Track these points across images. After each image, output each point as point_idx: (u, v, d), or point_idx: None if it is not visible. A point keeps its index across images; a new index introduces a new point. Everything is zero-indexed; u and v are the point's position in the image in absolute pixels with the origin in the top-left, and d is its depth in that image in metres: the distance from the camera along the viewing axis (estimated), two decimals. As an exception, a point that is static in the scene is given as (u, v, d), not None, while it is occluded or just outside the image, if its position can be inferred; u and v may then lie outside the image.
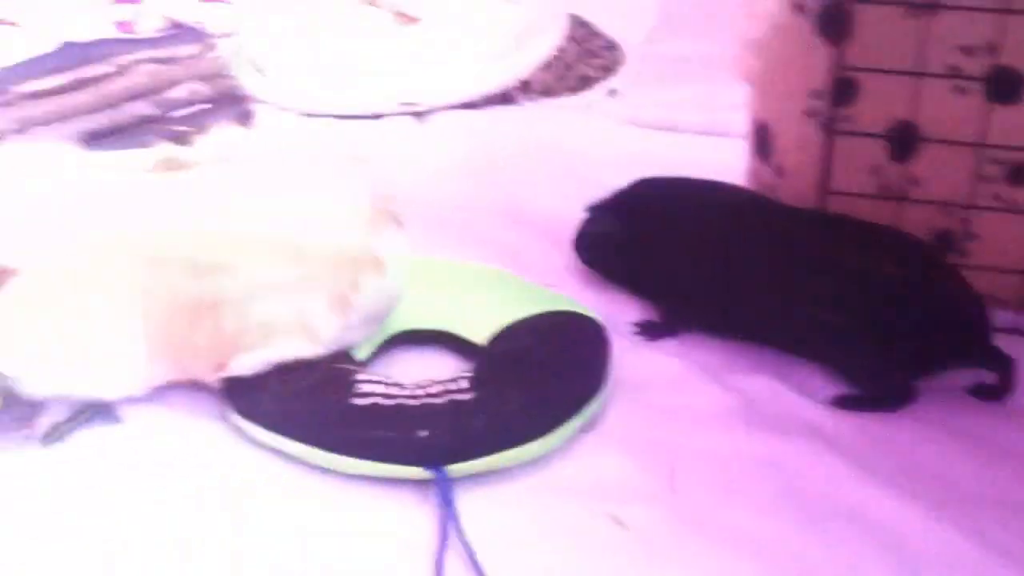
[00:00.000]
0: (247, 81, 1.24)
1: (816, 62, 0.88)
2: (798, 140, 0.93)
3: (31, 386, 0.80)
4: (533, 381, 0.81)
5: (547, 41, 1.42)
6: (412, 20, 1.41)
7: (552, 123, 1.34)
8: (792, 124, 0.92)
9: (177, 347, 0.82)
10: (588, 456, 0.81)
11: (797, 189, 0.94)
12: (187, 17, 1.50)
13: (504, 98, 1.40)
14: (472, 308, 0.91)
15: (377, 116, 1.32)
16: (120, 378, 0.82)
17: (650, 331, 0.94)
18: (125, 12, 1.58)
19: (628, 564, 0.72)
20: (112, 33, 1.29)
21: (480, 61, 1.38)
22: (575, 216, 1.09)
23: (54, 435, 0.83)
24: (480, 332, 0.88)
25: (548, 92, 1.42)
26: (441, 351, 0.92)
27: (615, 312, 0.95)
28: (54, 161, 0.83)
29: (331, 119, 1.30)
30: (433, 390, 0.80)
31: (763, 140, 0.96)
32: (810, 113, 0.91)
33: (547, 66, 1.42)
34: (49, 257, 0.77)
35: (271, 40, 1.36)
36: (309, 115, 1.31)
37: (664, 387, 0.88)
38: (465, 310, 0.91)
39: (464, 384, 0.81)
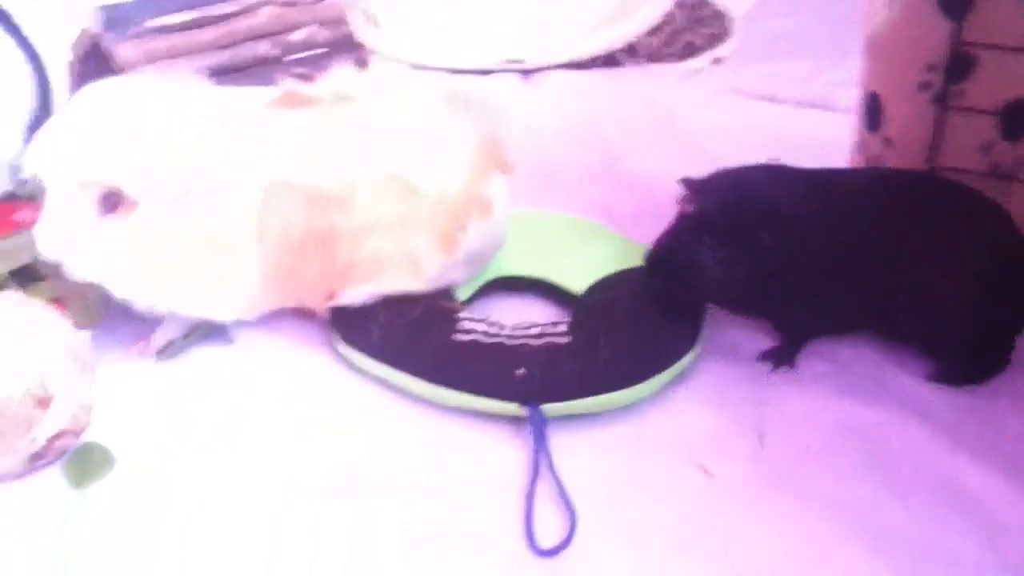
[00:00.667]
0: (361, 30, 1.28)
1: (934, 35, 0.88)
2: (909, 113, 0.92)
3: (150, 303, 0.84)
4: (628, 331, 0.83)
5: (656, 6, 1.42)
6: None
7: (656, 88, 1.35)
8: (904, 96, 0.92)
9: (290, 275, 0.85)
10: (678, 409, 0.83)
11: (905, 162, 0.94)
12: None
13: (609, 60, 1.41)
14: (570, 259, 0.93)
15: (484, 72, 1.34)
16: (234, 301, 0.86)
17: (778, 358, 0.87)
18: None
19: (712, 515, 0.74)
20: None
21: (589, 22, 1.39)
22: (672, 180, 1.10)
23: (168, 351, 0.88)
24: (578, 282, 0.90)
25: (654, 57, 1.42)
26: (538, 298, 0.94)
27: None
28: (182, 92, 0.86)
29: (439, 72, 1.32)
30: (532, 332, 0.82)
31: (873, 111, 0.96)
32: (923, 86, 0.90)
33: (654, 31, 1.42)
34: (173, 183, 0.81)
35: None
36: (418, 67, 1.34)
37: (756, 348, 0.89)
38: (563, 260, 0.93)
39: (562, 328, 0.83)
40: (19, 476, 0.74)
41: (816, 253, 0.82)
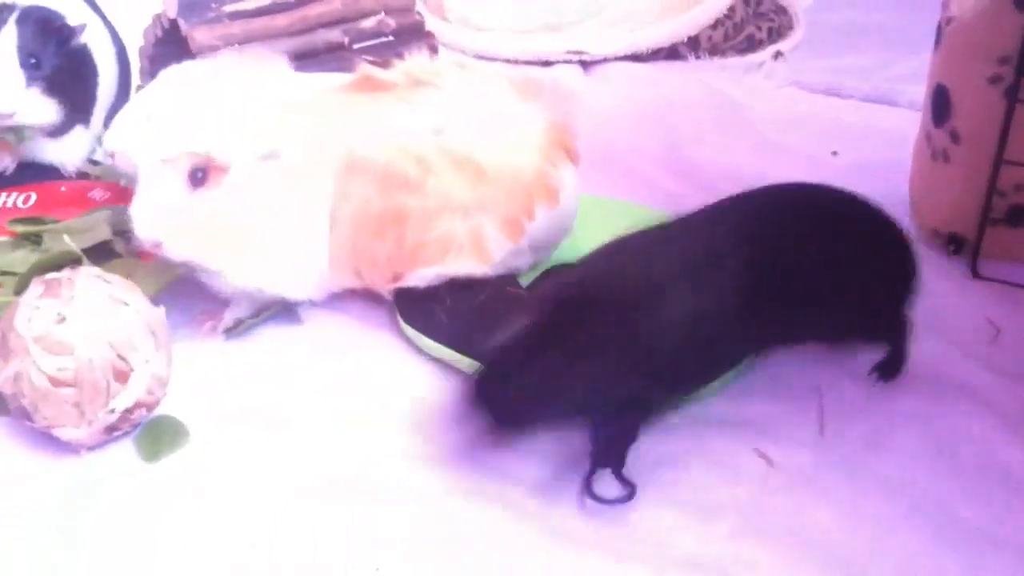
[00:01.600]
0: (428, 19, 1.29)
1: (1008, 29, 0.88)
2: (978, 106, 0.92)
3: (227, 280, 0.85)
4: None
5: (718, 1, 1.42)
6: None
7: (717, 80, 1.35)
8: (974, 89, 0.92)
9: (359, 256, 0.86)
10: (740, 395, 0.83)
11: (971, 156, 0.94)
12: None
13: (671, 53, 1.41)
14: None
15: (546, 63, 1.36)
16: (304, 281, 0.87)
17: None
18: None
19: (774, 497, 0.74)
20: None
21: (651, 14, 1.40)
22: (736, 170, 1.11)
23: (237, 329, 0.90)
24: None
25: (715, 51, 1.43)
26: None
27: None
28: (262, 73, 0.88)
29: (502, 63, 1.34)
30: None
31: (941, 104, 0.96)
32: (994, 79, 0.90)
33: (716, 25, 1.43)
34: (261, 142, 0.82)
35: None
36: (481, 57, 1.35)
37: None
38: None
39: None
40: (93, 446, 0.76)
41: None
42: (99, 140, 1.10)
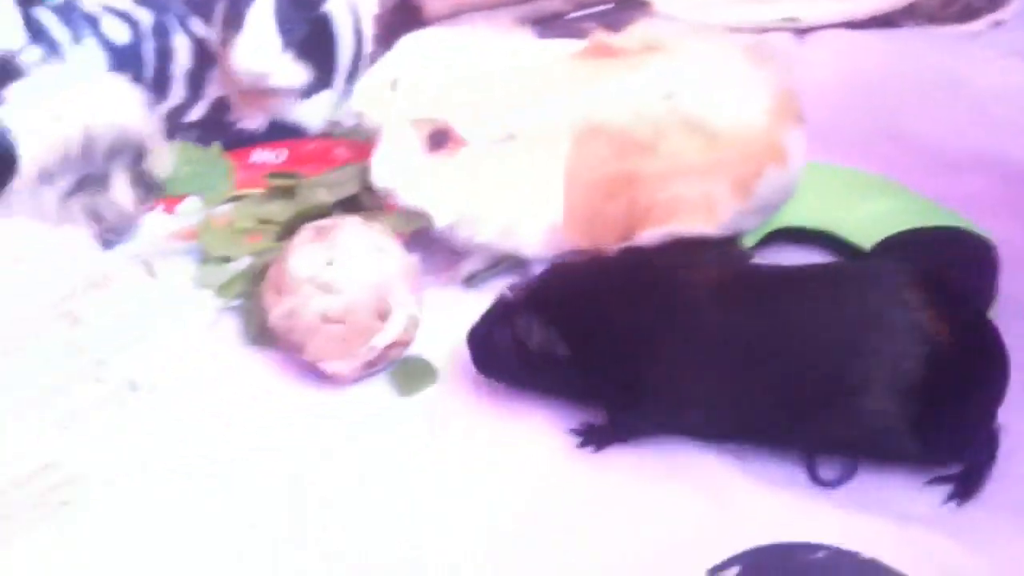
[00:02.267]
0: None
1: None
2: None
3: (462, 234, 0.92)
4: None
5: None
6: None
7: (935, 49, 1.33)
8: None
9: (590, 216, 0.91)
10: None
11: None
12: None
13: (885, 21, 1.40)
14: (858, 212, 0.95)
15: (760, 30, 1.37)
16: (536, 238, 0.93)
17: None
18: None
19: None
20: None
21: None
22: (956, 143, 1.10)
23: (473, 281, 0.96)
24: (866, 237, 0.92)
25: (932, 18, 1.41)
26: (821, 251, 0.97)
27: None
28: (500, 41, 0.94)
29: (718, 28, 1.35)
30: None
31: None
32: None
33: (934, -9, 1.41)
34: (498, 126, 0.88)
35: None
36: (695, 24, 1.37)
37: None
38: (851, 214, 0.95)
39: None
40: (353, 381, 0.84)
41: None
42: (339, 102, 1.17)
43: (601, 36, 0.93)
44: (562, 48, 0.96)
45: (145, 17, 1.13)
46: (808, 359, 0.71)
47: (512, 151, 0.90)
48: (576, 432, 0.79)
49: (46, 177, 0.87)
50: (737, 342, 0.72)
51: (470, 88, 0.90)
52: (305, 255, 0.82)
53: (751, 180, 0.89)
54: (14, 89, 0.86)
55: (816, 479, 0.75)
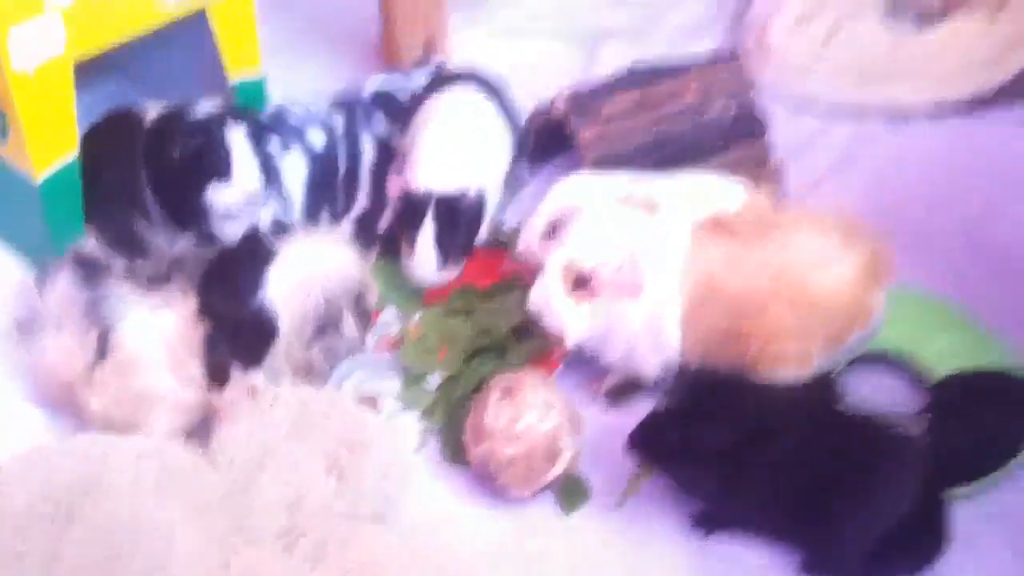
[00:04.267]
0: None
1: None
2: None
3: (592, 352, 1.18)
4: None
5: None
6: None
7: (1014, 134, 1.48)
8: None
9: (706, 359, 1.15)
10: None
11: None
12: None
13: (977, 103, 1.54)
14: (932, 346, 1.18)
15: (860, 111, 1.55)
16: (658, 364, 1.18)
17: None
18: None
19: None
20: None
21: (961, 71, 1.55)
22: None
23: (618, 398, 1.22)
24: (935, 365, 1.15)
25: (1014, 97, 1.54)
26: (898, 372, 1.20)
27: None
28: (639, 191, 1.19)
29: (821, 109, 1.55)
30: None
31: None
32: None
33: None
34: (624, 282, 1.13)
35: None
36: (801, 102, 1.57)
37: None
38: (926, 346, 1.18)
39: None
40: (527, 501, 1.12)
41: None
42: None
43: (720, 217, 1.16)
44: (686, 209, 1.19)
45: (339, 123, 1.39)
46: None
47: (642, 306, 1.15)
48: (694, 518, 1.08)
49: (297, 335, 1.15)
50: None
51: (610, 243, 1.15)
52: (496, 412, 1.09)
53: (841, 338, 1.12)
54: (271, 272, 1.14)
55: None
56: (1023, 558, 1.04)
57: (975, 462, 1.08)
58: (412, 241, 1.26)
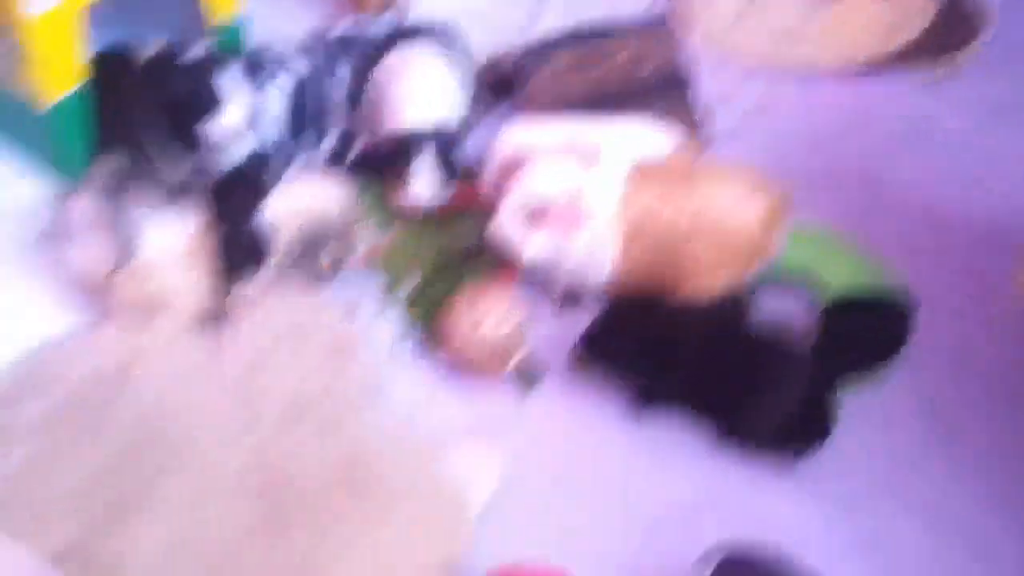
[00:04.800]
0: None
1: None
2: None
3: (546, 269, 1.39)
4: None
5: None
6: None
7: (909, 92, 1.72)
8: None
9: (638, 277, 1.37)
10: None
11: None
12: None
13: (879, 67, 1.77)
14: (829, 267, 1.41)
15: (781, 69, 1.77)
16: (600, 283, 1.39)
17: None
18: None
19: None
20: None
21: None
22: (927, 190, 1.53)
23: (562, 306, 1.43)
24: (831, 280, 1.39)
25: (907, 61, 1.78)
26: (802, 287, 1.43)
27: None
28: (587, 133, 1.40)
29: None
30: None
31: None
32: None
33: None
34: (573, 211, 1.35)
35: None
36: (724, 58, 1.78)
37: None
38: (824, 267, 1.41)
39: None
40: (491, 386, 1.33)
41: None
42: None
43: (646, 166, 1.37)
44: (626, 158, 1.40)
45: (308, 65, 1.56)
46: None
47: (593, 234, 1.36)
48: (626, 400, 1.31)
49: (289, 254, 1.34)
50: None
51: (558, 182, 1.36)
52: (467, 315, 1.30)
53: (748, 267, 1.35)
54: (270, 200, 1.33)
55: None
56: (895, 443, 1.28)
57: (856, 365, 1.32)
58: (407, 172, 1.46)
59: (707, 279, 1.34)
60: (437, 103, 1.50)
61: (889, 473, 1.26)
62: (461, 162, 1.53)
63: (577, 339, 1.32)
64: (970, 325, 1.40)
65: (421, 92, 1.50)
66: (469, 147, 1.58)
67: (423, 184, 1.47)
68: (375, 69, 1.56)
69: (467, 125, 1.59)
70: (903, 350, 1.34)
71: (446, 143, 1.48)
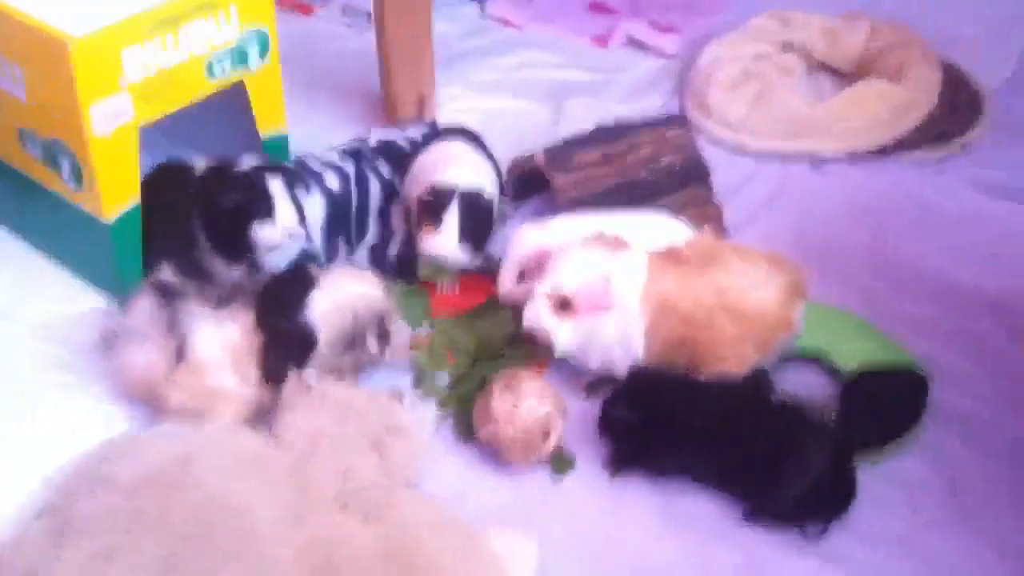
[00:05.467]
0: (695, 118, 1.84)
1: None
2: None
3: (576, 361, 1.47)
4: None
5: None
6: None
7: (913, 176, 1.82)
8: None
9: (663, 360, 1.44)
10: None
11: None
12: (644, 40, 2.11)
13: (880, 151, 1.87)
14: (844, 348, 1.48)
15: (784, 160, 1.87)
16: (628, 363, 1.46)
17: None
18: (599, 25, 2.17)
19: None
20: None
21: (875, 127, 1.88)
22: (932, 270, 1.60)
23: (593, 392, 1.51)
24: (847, 362, 1.45)
25: (911, 144, 1.87)
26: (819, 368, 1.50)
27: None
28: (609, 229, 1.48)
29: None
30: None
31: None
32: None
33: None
34: (600, 298, 1.43)
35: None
36: (735, 150, 1.88)
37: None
38: (840, 348, 1.48)
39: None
40: (526, 471, 1.40)
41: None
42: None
43: (674, 248, 1.45)
44: (644, 238, 1.48)
45: (351, 168, 1.67)
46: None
47: (615, 317, 1.44)
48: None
49: (331, 347, 1.43)
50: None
51: (585, 271, 1.44)
52: (500, 400, 1.37)
53: (770, 344, 1.42)
54: (313, 296, 1.42)
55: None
56: (917, 512, 1.33)
57: (878, 437, 1.38)
58: (437, 223, 1.55)
59: (732, 358, 1.41)
60: (472, 171, 1.59)
61: (911, 541, 1.30)
62: (490, 232, 1.61)
63: (600, 407, 1.39)
64: (983, 396, 1.45)
65: (457, 161, 1.61)
66: (499, 237, 1.66)
67: (450, 235, 1.55)
68: (414, 163, 1.66)
69: (500, 212, 1.67)
70: (920, 421, 1.40)
71: (477, 202, 1.54)
